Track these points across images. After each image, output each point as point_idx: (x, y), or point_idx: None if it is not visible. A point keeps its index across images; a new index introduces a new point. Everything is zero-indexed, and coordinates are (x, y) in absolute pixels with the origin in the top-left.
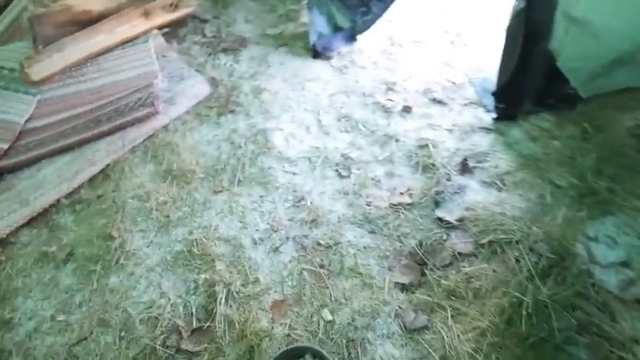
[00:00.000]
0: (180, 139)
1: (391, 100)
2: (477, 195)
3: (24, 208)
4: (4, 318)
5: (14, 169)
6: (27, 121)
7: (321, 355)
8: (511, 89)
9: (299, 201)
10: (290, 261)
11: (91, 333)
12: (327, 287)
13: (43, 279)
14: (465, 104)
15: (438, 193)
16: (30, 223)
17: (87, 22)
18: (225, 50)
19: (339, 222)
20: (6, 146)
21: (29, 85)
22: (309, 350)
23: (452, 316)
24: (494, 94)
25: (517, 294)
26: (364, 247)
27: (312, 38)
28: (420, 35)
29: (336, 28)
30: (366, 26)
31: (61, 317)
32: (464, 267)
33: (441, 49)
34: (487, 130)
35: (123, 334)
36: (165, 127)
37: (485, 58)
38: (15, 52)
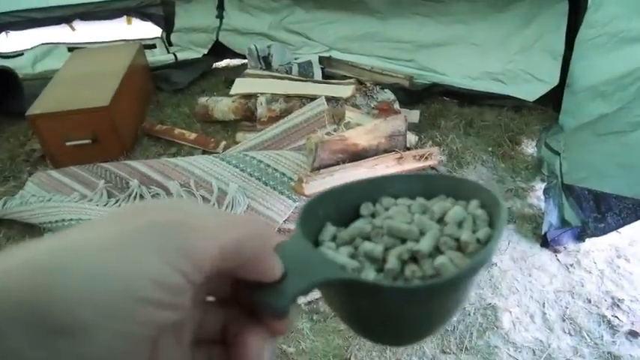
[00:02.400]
0: None
1: (617, 317)
2: None
3: None
4: None
5: None
6: (284, 221)
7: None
8: None
9: None
10: None
11: None
12: None
13: None
14: None
15: None
16: None
17: (353, 153)
18: None
19: None
20: None
21: (294, 192)
22: (480, 193)
23: None
24: None
25: None
26: None
27: (544, 227)
28: None
29: (564, 223)
30: (597, 233)
31: None
32: None
33: None
34: None
35: None
36: None
37: None
38: (288, 160)
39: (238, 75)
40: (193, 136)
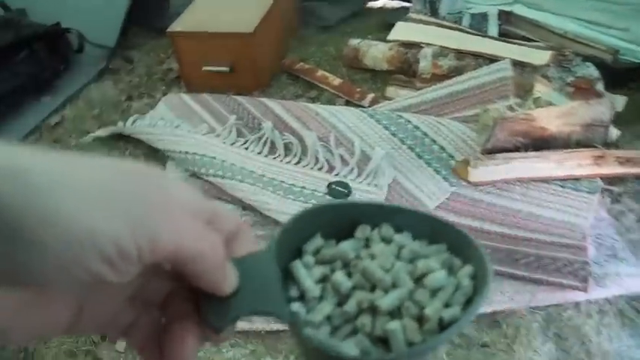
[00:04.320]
0: (594, 332)
1: None
2: None
3: None
4: None
5: None
6: (435, 208)
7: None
8: None
9: None
10: None
11: None
12: None
13: None
14: None
15: None
16: None
17: (538, 138)
18: None
19: None
20: None
21: (454, 175)
22: (478, 262)
23: None
24: None
25: None
26: None
27: None
28: None
29: None
30: None
31: None
32: None
33: None
34: None
35: None
36: (577, 306)
37: None
38: (452, 132)
39: (395, 19)
40: (337, 81)
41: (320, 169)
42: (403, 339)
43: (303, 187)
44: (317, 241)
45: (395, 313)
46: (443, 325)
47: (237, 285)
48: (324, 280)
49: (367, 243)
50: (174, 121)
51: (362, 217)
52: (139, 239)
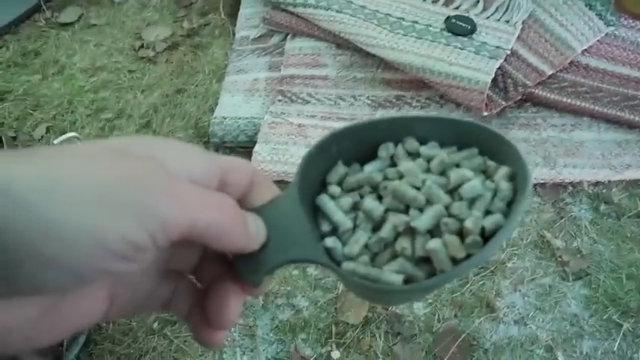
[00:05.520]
0: None
1: None
2: None
3: (546, 168)
4: None
5: (539, 104)
6: (583, 53)
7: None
8: None
9: None
10: None
11: None
12: None
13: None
14: None
15: None
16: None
17: None
18: None
19: None
20: (549, 71)
21: (616, 10)
22: (515, 162)
23: None
24: None
25: None
26: None
27: None
28: None
29: None
30: None
31: None
32: None
33: None
34: None
35: None
36: None
37: None
38: None
39: None
40: None
41: (435, 1)
42: (446, 257)
43: (415, 22)
44: (340, 169)
45: (434, 230)
46: (486, 236)
47: (265, 237)
48: (355, 208)
49: (393, 161)
50: None
51: (382, 135)
52: (149, 227)
